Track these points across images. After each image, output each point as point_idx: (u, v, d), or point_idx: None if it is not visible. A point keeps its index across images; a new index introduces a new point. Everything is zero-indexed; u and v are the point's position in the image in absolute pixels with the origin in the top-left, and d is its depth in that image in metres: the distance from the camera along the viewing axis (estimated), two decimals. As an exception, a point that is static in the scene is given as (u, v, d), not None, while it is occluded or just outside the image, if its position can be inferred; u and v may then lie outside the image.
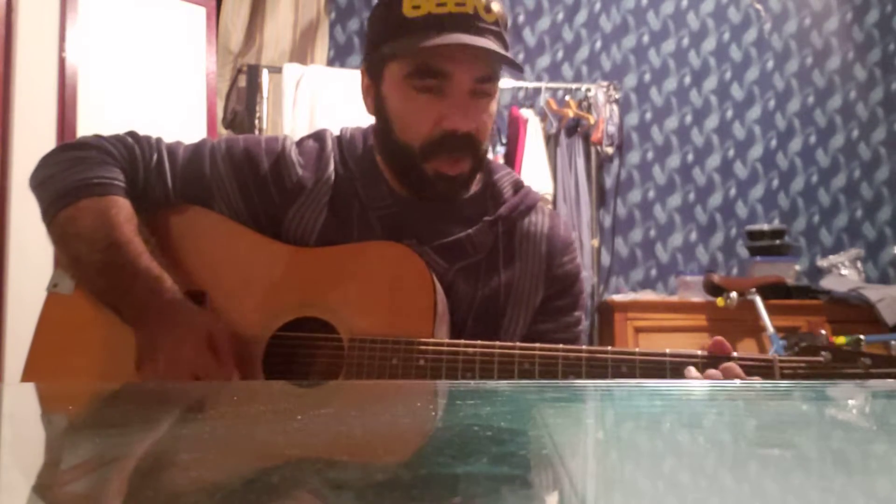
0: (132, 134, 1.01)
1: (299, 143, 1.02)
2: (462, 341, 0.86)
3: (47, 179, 0.95)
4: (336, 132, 1.05)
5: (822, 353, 0.81)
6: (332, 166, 0.99)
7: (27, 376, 0.93)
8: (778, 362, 0.81)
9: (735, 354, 0.82)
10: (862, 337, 0.81)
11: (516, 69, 0.95)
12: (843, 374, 0.80)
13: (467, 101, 0.92)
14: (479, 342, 0.85)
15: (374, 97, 0.98)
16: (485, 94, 0.94)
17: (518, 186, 1.06)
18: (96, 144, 0.97)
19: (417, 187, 0.97)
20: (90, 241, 0.89)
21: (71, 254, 0.92)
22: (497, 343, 0.85)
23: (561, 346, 0.84)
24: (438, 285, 0.91)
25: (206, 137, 1.04)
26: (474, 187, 1.04)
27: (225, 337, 0.87)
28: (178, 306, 0.88)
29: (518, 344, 0.85)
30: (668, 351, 0.82)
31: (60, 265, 0.95)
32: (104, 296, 0.90)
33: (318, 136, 1.03)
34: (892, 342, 0.79)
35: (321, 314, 0.90)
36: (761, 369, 0.80)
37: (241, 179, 0.97)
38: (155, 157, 0.98)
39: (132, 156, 0.97)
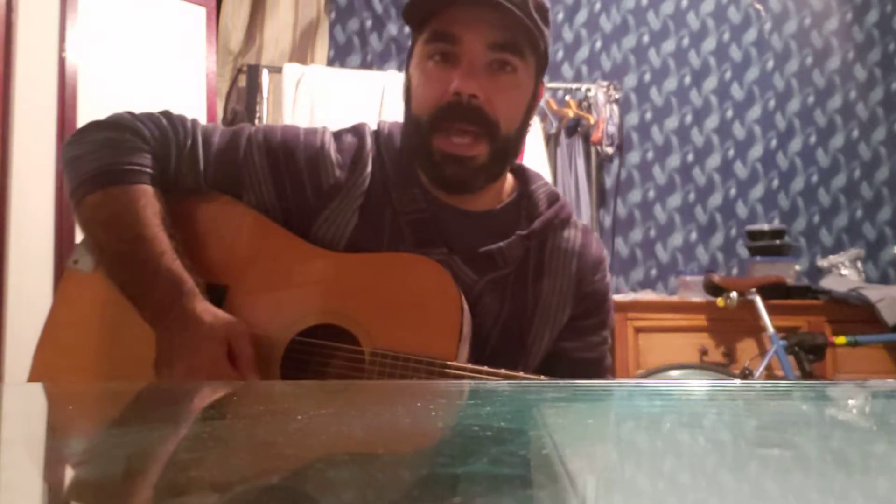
0: (166, 114, 0.96)
1: (337, 139, 0.98)
2: (486, 368, 0.83)
3: (77, 158, 0.92)
4: (374, 126, 1.02)
5: None
6: (369, 167, 0.95)
7: (40, 352, 0.91)
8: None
9: None
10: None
11: (536, 40, 0.89)
12: None
13: (481, 71, 0.88)
14: (502, 371, 0.83)
15: (405, 87, 0.96)
16: (504, 65, 0.89)
17: (553, 199, 1.02)
18: (131, 126, 0.93)
19: (432, 174, 0.94)
20: (117, 231, 0.88)
21: (95, 239, 0.90)
22: (521, 374, 0.84)
23: (593, 381, 0.83)
24: (466, 306, 0.88)
25: (245, 124, 1.00)
26: (509, 196, 1.01)
27: (246, 344, 0.84)
28: (198, 312, 0.85)
29: (542, 378, 0.84)
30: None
31: (83, 242, 0.93)
32: (125, 288, 0.88)
33: (357, 132, 0.99)
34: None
35: (344, 323, 0.87)
36: None
37: (277, 174, 0.94)
38: (189, 142, 0.95)
39: (165, 139, 0.94)
